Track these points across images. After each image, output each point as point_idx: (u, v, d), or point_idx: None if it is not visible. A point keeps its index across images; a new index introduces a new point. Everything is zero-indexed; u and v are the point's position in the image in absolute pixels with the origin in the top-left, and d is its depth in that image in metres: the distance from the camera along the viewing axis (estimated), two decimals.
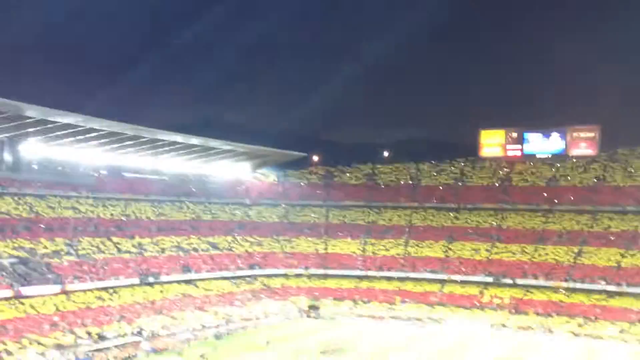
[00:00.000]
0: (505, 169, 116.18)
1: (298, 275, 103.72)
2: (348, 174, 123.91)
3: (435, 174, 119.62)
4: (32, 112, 64.63)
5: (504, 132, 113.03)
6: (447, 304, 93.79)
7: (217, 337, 76.45)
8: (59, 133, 72.33)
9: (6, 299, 68.00)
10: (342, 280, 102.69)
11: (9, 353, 59.34)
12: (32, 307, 69.52)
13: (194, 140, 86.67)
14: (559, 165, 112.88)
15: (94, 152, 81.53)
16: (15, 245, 76.78)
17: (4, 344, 60.56)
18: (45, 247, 79.33)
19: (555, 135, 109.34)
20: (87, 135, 75.21)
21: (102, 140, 78.16)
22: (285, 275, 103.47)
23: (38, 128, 69.48)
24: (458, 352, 71.93)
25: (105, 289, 78.90)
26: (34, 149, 72.96)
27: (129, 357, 64.58)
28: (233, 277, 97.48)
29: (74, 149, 78.71)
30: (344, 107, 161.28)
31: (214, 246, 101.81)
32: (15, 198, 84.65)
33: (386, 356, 68.78)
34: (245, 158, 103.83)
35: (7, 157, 71.11)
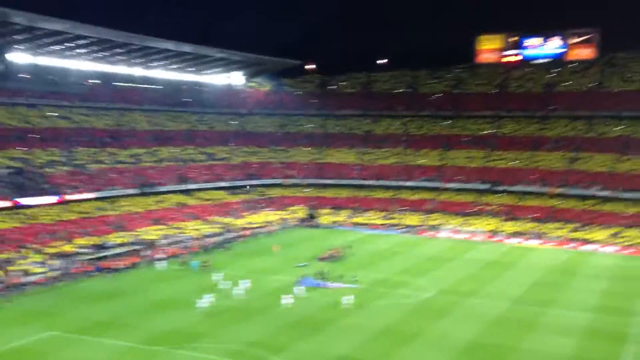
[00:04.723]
0: (502, 75, 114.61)
1: (295, 185, 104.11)
2: (344, 83, 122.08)
3: (431, 81, 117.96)
4: (19, 18, 62.34)
5: (502, 37, 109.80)
6: (442, 211, 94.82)
7: (217, 245, 77.28)
8: (47, 40, 70.14)
9: (5, 209, 67.98)
10: (339, 189, 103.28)
11: (10, 262, 59.80)
12: (31, 217, 69.66)
13: (186, 47, 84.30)
14: (557, 70, 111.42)
15: (84, 61, 79.37)
16: (10, 155, 76.13)
17: (6, 253, 60.95)
18: (40, 158, 78.71)
19: (554, 39, 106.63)
20: (77, 43, 73.03)
21: (92, 48, 75.98)
22: (282, 185, 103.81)
23: (26, 35, 67.32)
24: (450, 257, 73.23)
25: (103, 199, 78.99)
26: (22, 58, 70.85)
27: (131, 265, 65.28)
28: (230, 187, 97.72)
29: (64, 58, 76.55)
30: (338, 13, 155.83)
31: (211, 156, 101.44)
32: (8, 108, 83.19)
33: (379, 261, 70.12)
34: (239, 67, 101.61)
35: None
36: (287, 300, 50.75)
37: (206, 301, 49.64)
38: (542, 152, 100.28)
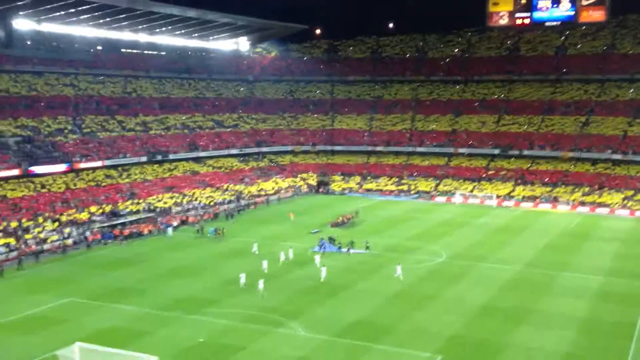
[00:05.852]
0: (513, 39, 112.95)
1: (306, 152, 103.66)
2: (352, 48, 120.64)
3: (441, 45, 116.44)
4: None
5: None
6: (454, 176, 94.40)
7: (229, 212, 77.28)
8: (49, 6, 69.06)
9: (16, 177, 67.95)
10: (349, 156, 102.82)
11: (26, 230, 60.00)
12: (42, 185, 69.64)
13: (191, 12, 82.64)
14: (568, 32, 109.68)
15: (88, 27, 78.09)
16: (18, 124, 75.73)
17: (19, 221, 61.09)
18: (49, 126, 78.37)
19: (564, 1, 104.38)
20: (79, 9, 71.91)
21: (95, 14, 74.79)
22: (293, 152, 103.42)
23: (27, 1, 66.29)
24: (463, 223, 73.01)
25: (114, 167, 78.85)
26: (26, 24, 69.84)
27: (145, 233, 65.40)
28: (240, 155, 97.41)
29: (68, 24, 75.35)
30: None
31: (219, 124, 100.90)
32: (12, 75, 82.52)
33: (392, 227, 70.02)
34: (244, 32, 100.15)
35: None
36: (324, 272, 49.18)
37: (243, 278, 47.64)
38: (554, 116, 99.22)
